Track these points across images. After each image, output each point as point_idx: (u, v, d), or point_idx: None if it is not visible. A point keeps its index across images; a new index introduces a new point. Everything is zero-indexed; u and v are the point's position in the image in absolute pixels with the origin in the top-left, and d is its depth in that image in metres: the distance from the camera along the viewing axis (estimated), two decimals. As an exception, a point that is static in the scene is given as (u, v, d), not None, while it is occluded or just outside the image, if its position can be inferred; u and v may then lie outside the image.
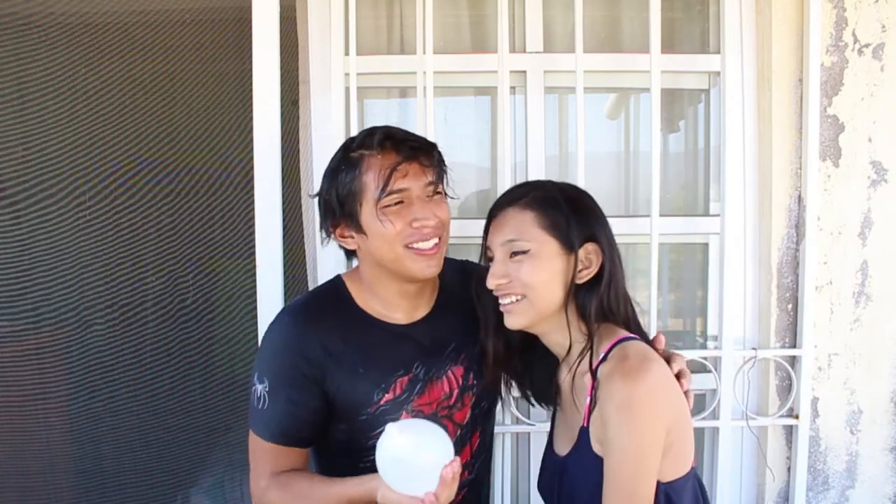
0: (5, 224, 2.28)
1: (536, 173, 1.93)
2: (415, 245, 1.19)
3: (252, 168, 1.66)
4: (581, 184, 1.74)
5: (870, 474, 1.92)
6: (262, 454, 1.24)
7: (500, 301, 1.15)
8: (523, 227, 1.13)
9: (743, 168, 1.90)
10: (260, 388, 1.22)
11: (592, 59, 1.85)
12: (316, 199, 1.27)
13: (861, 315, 1.88)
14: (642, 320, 1.24)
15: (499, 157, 1.76)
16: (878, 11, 1.83)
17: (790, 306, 1.87)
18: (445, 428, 1.08)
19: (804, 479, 1.86)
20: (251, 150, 1.66)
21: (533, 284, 1.11)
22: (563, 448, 1.18)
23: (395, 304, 1.27)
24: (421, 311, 1.30)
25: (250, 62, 1.64)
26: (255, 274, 1.69)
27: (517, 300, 1.13)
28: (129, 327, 2.36)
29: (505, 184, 1.74)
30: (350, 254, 1.29)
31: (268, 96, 1.64)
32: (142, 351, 2.36)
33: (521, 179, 1.94)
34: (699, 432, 2.04)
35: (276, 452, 1.23)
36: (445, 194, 1.26)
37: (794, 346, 1.87)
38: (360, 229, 1.20)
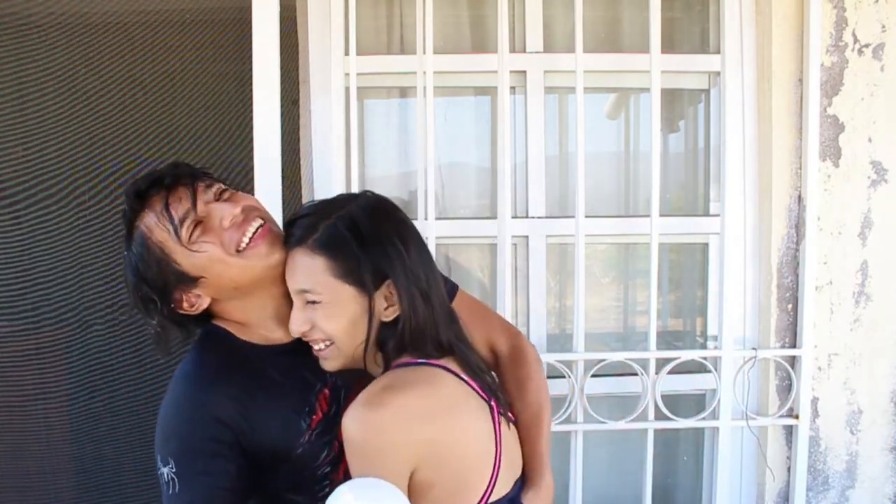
0: (5, 224, 2.28)
1: (536, 173, 1.93)
2: (242, 244, 1.08)
3: (252, 168, 1.66)
4: (581, 184, 1.75)
5: (870, 474, 1.92)
6: None
7: (312, 345, 1.09)
8: (314, 275, 1.04)
9: (743, 168, 1.90)
10: (165, 470, 1.06)
11: (592, 59, 1.85)
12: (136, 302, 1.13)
13: (861, 315, 1.88)
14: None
15: (499, 157, 1.76)
16: (878, 11, 1.83)
17: (790, 306, 1.87)
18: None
19: (804, 479, 1.86)
20: (251, 150, 1.66)
21: (333, 332, 1.05)
22: None
23: (273, 325, 1.15)
24: None
25: (250, 62, 1.63)
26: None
27: (326, 346, 1.07)
28: (129, 327, 2.36)
29: (505, 184, 1.74)
30: (199, 322, 1.17)
31: (268, 96, 1.64)
32: (142, 351, 2.36)
33: (521, 180, 1.95)
34: (699, 432, 2.05)
35: None
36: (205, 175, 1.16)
37: (794, 346, 1.87)
38: (194, 280, 1.09)
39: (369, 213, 1.08)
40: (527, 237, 1.93)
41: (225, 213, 1.08)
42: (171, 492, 1.06)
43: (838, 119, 1.85)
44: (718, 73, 1.85)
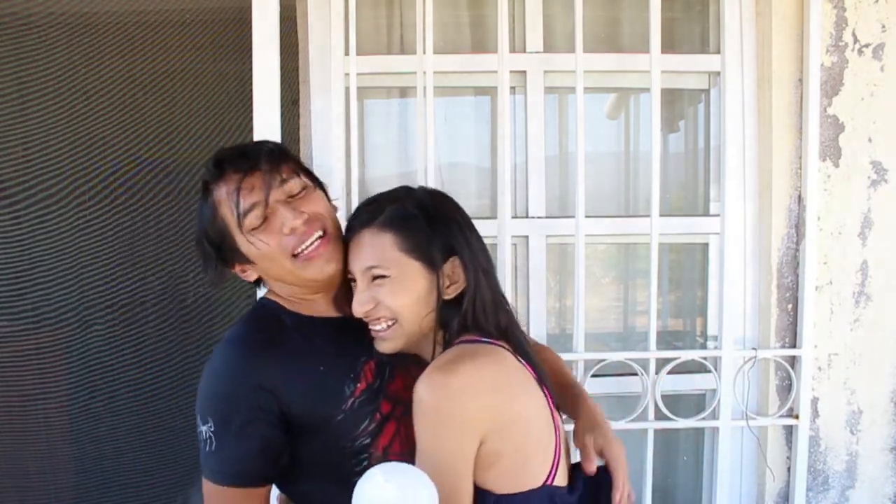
0: (5, 224, 2.28)
1: (536, 173, 1.93)
2: (299, 250, 1.11)
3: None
4: (581, 184, 1.75)
5: (870, 474, 1.92)
6: (219, 501, 1.11)
7: (372, 327, 1.10)
8: (382, 251, 1.07)
9: (743, 168, 1.90)
10: (204, 429, 1.10)
11: (592, 59, 1.85)
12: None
13: (861, 315, 1.88)
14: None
15: (499, 157, 1.76)
16: (878, 11, 1.83)
17: (790, 306, 1.87)
18: None
19: (804, 479, 1.86)
20: (251, 150, 1.66)
21: (400, 309, 1.06)
22: None
23: (322, 303, 1.18)
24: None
25: (250, 62, 1.63)
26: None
27: (389, 326, 1.08)
28: (129, 327, 2.36)
29: (505, 184, 1.74)
30: (258, 282, 1.22)
31: (268, 96, 1.64)
32: (142, 351, 2.36)
33: (521, 180, 1.95)
34: (699, 432, 2.05)
35: (234, 497, 1.10)
36: (318, 185, 1.18)
37: (794, 346, 1.87)
38: (246, 260, 1.14)
39: (432, 196, 1.13)
40: (527, 237, 1.94)
41: (287, 219, 1.10)
42: (207, 449, 1.10)
43: (838, 119, 1.85)
44: (718, 73, 1.85)
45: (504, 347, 1.08)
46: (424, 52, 1.71)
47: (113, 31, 2.30)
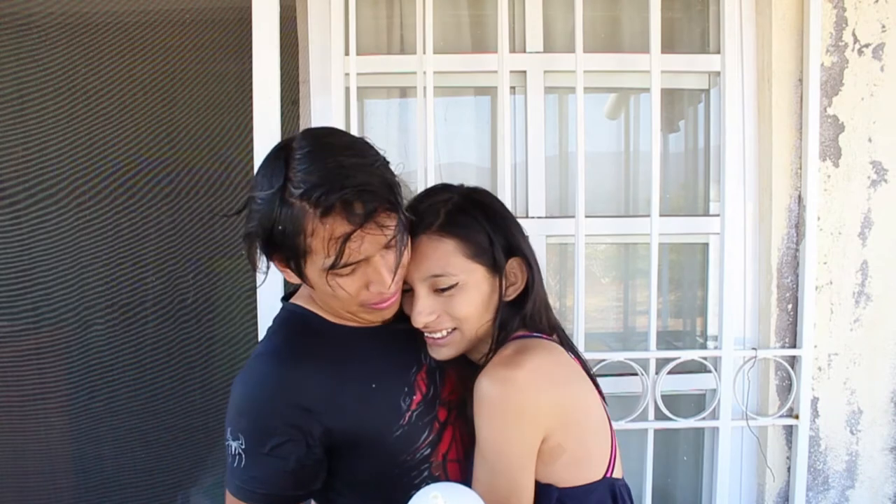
0: (5, 224, 2.28)
1: (536, 173, 1.93)
2: (366, 303, 1.03)
3: (252, 168, 1.66)
4: (581, 184, 1.75)
5: (870, 474, 1.92)
6: None
7: (429, 335, 1.06)
8: (446, 258, 1.02)
9: (743, 168, 1.90)
10: (235, 445, 1.02)
11: (592, 59, 1.85)
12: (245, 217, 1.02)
13: (861, 315, 1.88)
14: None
15: (499, 157, 1.76)
16: (878, 11, 1.83)
17: (790, 306, 1.87)
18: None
19: (804, 479, 1.86)
20: (251, 150, 1.66)
21: (465, 317, 1.03)
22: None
23: (363, 313, 1.09)
24: None
25: (250, 62, 1.63)
26: (254, 274, 1.68)
27: (448, 333, 1.05)
28: (129, 327, 2.36)
29: (505, 184, 1.74)
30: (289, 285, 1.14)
31: (268, 96, 1.64)
32: (142, 351, 2.36)
33: (521, 180, 1.95)
34: (699, 432, 2.05)
35: None
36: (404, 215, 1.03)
37: (794, 346, 1.87)
38: (300, 276, 1.01)
39: (482, 195, 1.09)
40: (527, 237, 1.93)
41: (379, 285, 1.00)
42: (235, 465, 1.03)
43: (838, 119, 1.85)
44: (718, 73, 1.85)
45: (554, 342, 1.08)
46: (424, 52, 1.72)
47: (113, 31, 2.29)
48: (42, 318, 2.33)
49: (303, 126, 1.90)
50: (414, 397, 1.08)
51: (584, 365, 1.11)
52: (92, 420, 2.34)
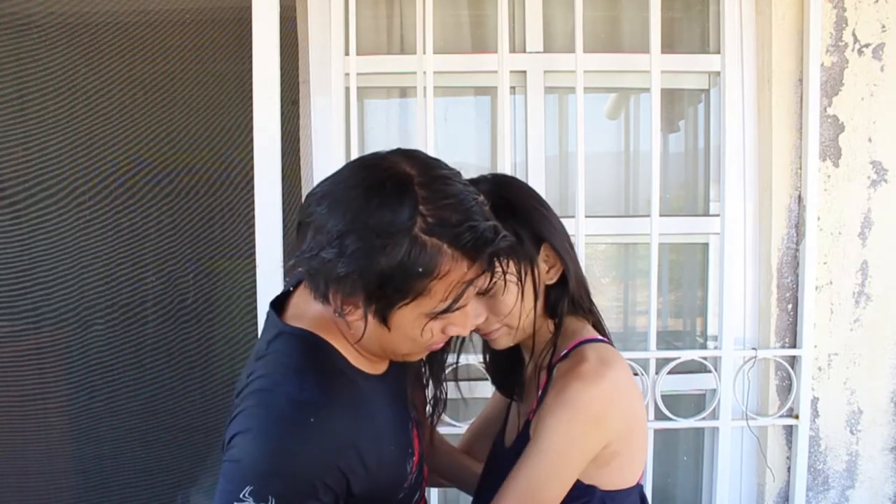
0: (5, 224, 2.28)
1: (536, 173, 1.93)
2: (434, 347, 0.97)
3: (252, 168, 1.66)
4: (581, 184, 1.75)
5: (870, 474, 1.92)
6: None
7: (481, 333, 1.09)
8: None
9: (743, 168, 1.90)
10: None
11: (592, 59, 1.85)
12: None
13: (861, 315, 1.88)
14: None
15: (499, 157, 1.76)
16: (878, 11, 1.83)
17: (790, 306, 1.87)
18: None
19: (804, 479, 1.86)
20: (251, 150, 1.66)
21: (509, 312, 1.05)
22: (510, 439, 1.16)
23: (382, 355, 0.99)
24: None
25: (250, 62, 1.63)
26: (255, 274, 1.68)
27: (498, 328, 1.08)
28: (129, 327, 2.36)
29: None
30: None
31: (268, 96, 1.64)
32: (142, 351, 2.36)
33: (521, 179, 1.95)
34: (699, 432, 2.05)
35: None
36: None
37: (794, 346, 1.87)
38: (382, 319, 0.88)
39: (504, 185, 1.11)
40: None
41: (457, 325, 0.94)
42: None
43: (838, 119, 1.85)
44: (718, 73, 1.85)
45: (612, 345, 1.11)
46: (424, 52, 1.72)
47: (113, 31, 2.29)
48: (42, 318, 2.33)
49: (303, 126, 1.90)
50: (413, 458, 1.02)
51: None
52: (92, 420, 2.34)
